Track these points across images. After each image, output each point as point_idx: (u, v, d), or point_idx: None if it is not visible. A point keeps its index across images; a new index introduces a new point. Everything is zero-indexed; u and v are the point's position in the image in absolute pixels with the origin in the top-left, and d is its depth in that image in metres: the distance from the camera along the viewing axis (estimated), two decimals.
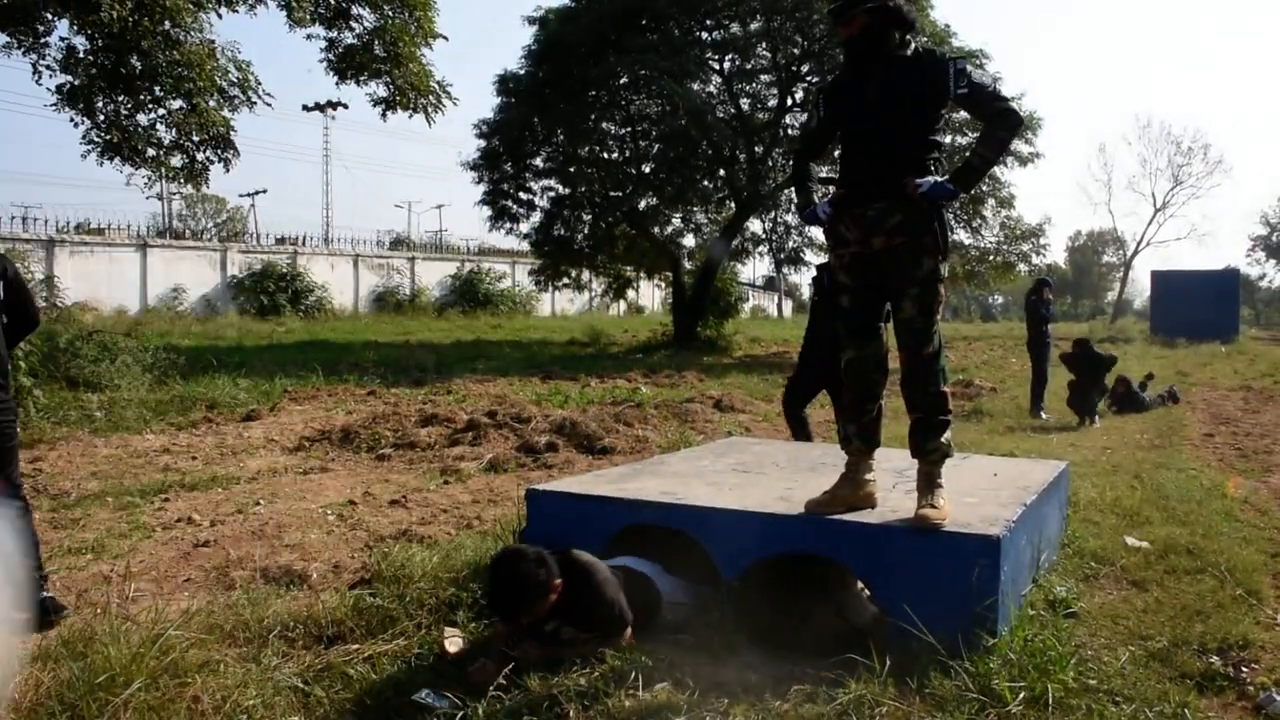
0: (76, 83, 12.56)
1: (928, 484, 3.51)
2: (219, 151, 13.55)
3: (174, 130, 13.25)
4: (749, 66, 22.90)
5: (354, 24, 13.94)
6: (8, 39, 12.07)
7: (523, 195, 23.87)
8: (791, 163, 5.10)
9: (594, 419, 9.12)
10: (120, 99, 12.92)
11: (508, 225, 23.84)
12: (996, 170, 21.74)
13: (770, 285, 57.48)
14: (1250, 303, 58.75)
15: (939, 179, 3.45)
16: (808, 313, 7.12)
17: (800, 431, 6.78)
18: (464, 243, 46.57)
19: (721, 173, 22.91)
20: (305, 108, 46.61)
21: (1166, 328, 28.29)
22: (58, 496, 6.16)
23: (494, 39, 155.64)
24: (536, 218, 23.87)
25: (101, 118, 12.95)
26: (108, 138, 12.96)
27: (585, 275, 27.63)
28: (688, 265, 25.32)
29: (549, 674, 3.13)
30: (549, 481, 5.73)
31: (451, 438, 8.50)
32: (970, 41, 26.20)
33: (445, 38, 14.57)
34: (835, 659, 3.10)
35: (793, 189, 4.28)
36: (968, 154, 3.57)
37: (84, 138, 12.95)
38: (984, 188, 21.72)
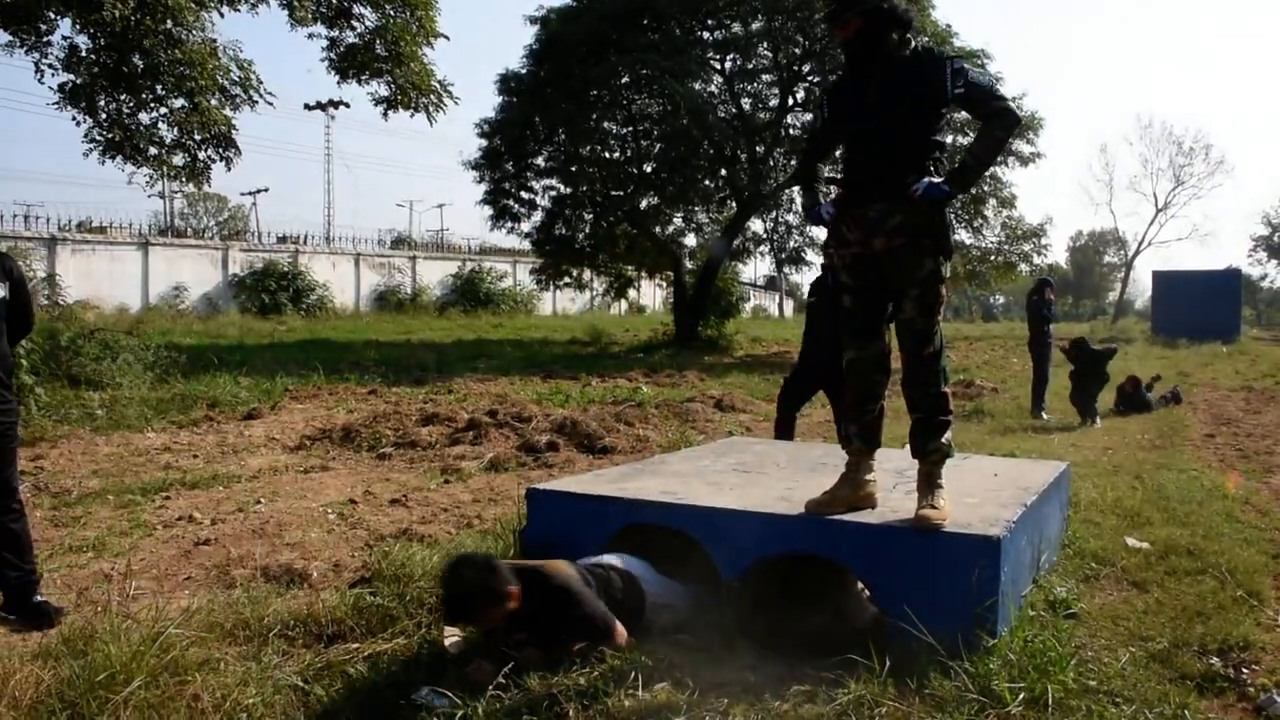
0: (79, 81, 12.57)
1: (928, 484, 3.51)
2: (220, 150, 13.56)
3: (176, 129, 13.26)
4: (750, 66, 22.91)
5: (355, 23, 13.93)
6: (10, 37, 12.09)
7: (524, 194, 23.89)
8: (798, 163, 5.11)
9: (595, 418, 9.13)
10: (122, 97, 12.94)
11: (509, 224, 23.88)
12: (998, 170, 21.74)
13: (771, 285, 57.49)
14: (1252, 303, 58.73)
15: (935, 180, 3.43)
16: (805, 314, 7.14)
17: (784, 432, 6.80)
18: (465, 242, 46.60)
19: (723, 172, 22.92)
20: (307, 106, 46.54)
21: (1168, 328, 28.26)
22: (59, 494, 6.16)
23: (495, 38, 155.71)
24: (538, 217, 23.90)
25: (103, 116, 12.96)
26: (110, 136, 12.97)
27: (586, 275, 27.64)
28: (689, 265, 25.32)
29: (549, 674, 3.13)
30: (550, 481, 5.73)
31: (452, 437, 8.51)
32: (972, 41, 26.20)
33: (447, 37, 14.57)
34: (835, 659, 3.10)
35: (796, 188, 4.28)
36: (963, 154, 3.56)
37: (86, 136, 12.97)
38: (985, 187, 21.73)
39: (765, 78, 23.28)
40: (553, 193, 23.88)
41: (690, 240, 26.45)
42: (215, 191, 56.19)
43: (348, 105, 51.57)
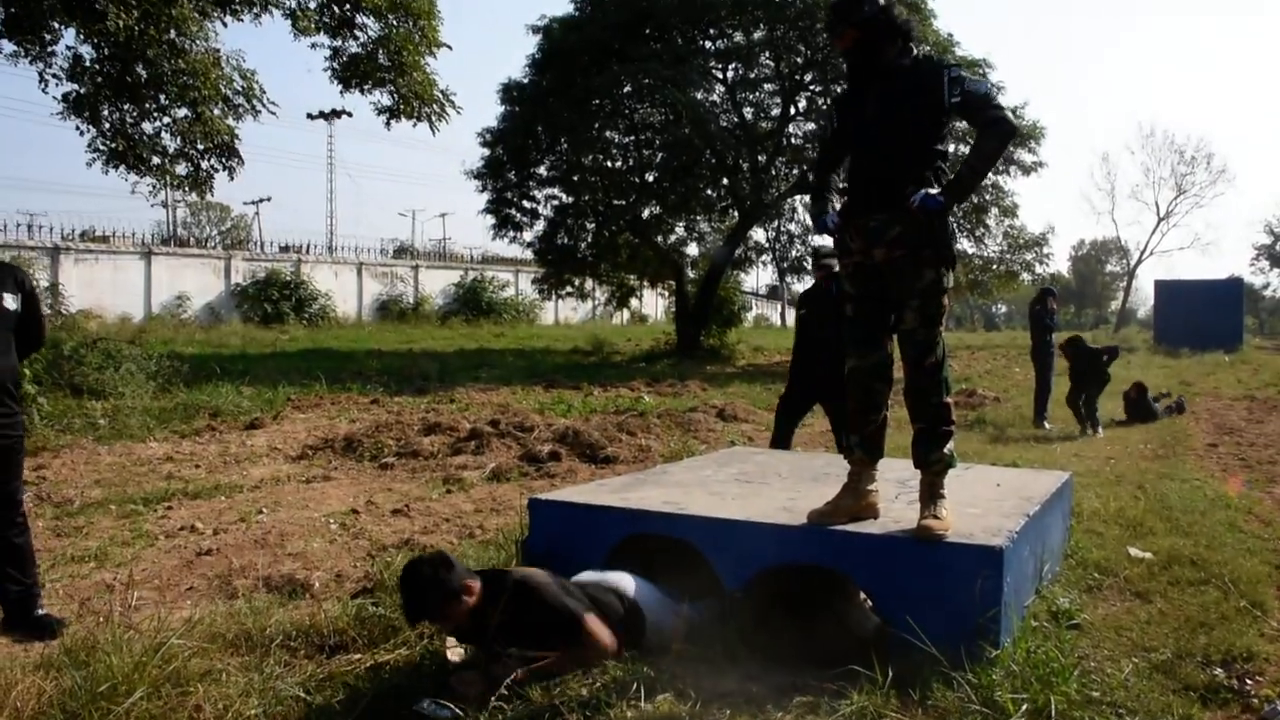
0: (82, 91, 12.63)
1: (930, 495, 3.51)
2: (223, 159, 13.60)
3: (179, 138, 13.32)
4: (752, 75, 22.97)
5: (358, 33, 13.99)
6: (15, 47, 12.14)
7: (526, 204, 23.95)
8: (813, 172, 5.11)
9: (597, 428, 9.12)
10: (126, 107, 12.99)
11: (511, 233, 23.93)
12: (1000, 179, 21.78)
13: (773, 294, 57.46)
14: (1254, 312, 58.73)
15: (931, 191, 3.43)
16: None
17: (780, 443, 6.79)
18: (468, 251, 46.61)
19: (725, 181, 22.96)
20: (309, 116, 46.57)
21: (1170, 337, 28.28)
22: (61, 504, 6.16)
23: (498, 48, 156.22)
24: (540, 226, 23.96)
25: (107, 126, 13.02)
26: (113, 145, 13.02)
27: (588, 284, 27.66)
28: (691, 274, 25.33)
29: (550, 685, 3.13)
30: (552, 491, 5.73)
31: (454, 446, 8.51)
32: (974, 51, 26.20)
33: (449, 46, 14.63)
34: (838, 670, 3.09)
35: (799, 198, 4.29)
36: (959, 165, 3.56)
37: (89, 146, 13.04)
38: (987, 196, 21.77)
39: (767, 87, 23.35)
40: (555, 202, 23.95)
41: (692, 249, 26.50)
42: (218, 201, 56.29)
43: (350, 115, 51.80)
